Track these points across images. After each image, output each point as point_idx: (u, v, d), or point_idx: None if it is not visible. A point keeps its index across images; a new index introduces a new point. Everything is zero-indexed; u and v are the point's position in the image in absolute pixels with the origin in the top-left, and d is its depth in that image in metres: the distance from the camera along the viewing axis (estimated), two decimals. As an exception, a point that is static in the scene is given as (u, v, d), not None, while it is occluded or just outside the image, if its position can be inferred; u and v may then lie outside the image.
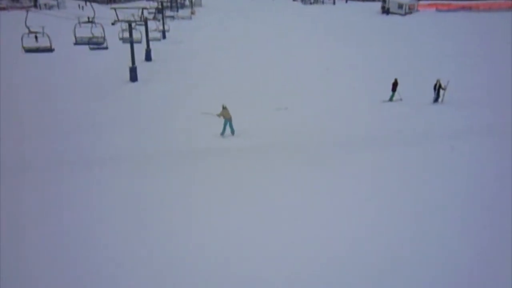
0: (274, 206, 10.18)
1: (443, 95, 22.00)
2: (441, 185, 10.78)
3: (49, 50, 20.70)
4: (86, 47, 25.17)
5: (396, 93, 23.25)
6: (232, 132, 18.03)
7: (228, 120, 17.73)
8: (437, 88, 21.97)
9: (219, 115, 17.72)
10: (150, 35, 38.01)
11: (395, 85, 23.23)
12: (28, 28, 18.86)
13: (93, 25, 21.59)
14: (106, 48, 24.99)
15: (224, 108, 17.71)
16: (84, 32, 22.89)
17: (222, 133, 18.01)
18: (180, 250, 8.57)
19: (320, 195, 10.68)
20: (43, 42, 19.95)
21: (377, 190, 10.77)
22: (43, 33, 19.38)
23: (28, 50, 20.68)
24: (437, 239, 8.28)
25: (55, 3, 78.42)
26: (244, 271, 7.75)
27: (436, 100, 22.14)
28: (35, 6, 74.53)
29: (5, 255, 8.25)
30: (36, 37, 19.32)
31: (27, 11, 19.57)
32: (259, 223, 9.42)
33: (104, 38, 22.77)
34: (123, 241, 8.91)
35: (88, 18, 21.56)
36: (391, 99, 23.40)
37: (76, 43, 23.18)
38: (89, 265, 8.17)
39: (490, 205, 9.35)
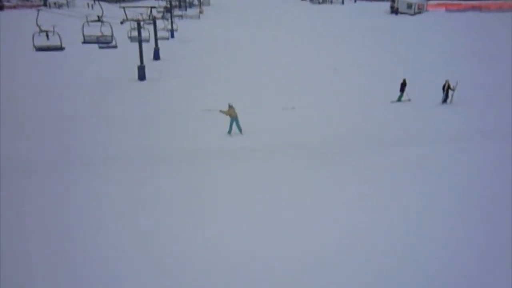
0: (275, 205, 10.09)
1: (452, 95, 21.85)
2: (443, 187, 10.63)
3: (60, 48, 20.91)
4: (95, 46, 25.30)
5: (404, 93, 23.15)
6: (240, 130, 18.11)
7: (234, 119, 17.89)
8: (446, 88, 21.81)
9: (224, 113, 17.86)
10: (159, 34, 38.29)
11: (403, 85, 23.11)
12: (39, 26, 19.05)
13: (102, 23, 21.71)
14: (116, 46, 25.12)
15: (230, 107, 17.87)
16: (93, 30, 23.03)
17: (229, 132, 18.14)
18: (181, 253, 8.38)
19: (322, 195, 10.60)
20: (53, 41, 20.13)
21: (378, 189, 10.67)
22: (53, 31, 19.58)
23: (39, 49, 20.93)
24: (437, 240, 8.20)
25: (64, 2, 78.88)
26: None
27: (444, 101, 21.98)
28: (45, 4, 75.00)
29: (5, 259, 8.14)
30: (47, 36, 19.50)
31: (38, 11, 19.76)
32: (263, 223, 9.36)
33: (112, 36, 22.85)
34: (124, 245, 8.70)
35: (98, 17, 21.64)
36: (399, 100, 23.29)
37: (85, 42, 23.32)
38: (92, 264, 8.10)
39: (491, 209, 9.17)
